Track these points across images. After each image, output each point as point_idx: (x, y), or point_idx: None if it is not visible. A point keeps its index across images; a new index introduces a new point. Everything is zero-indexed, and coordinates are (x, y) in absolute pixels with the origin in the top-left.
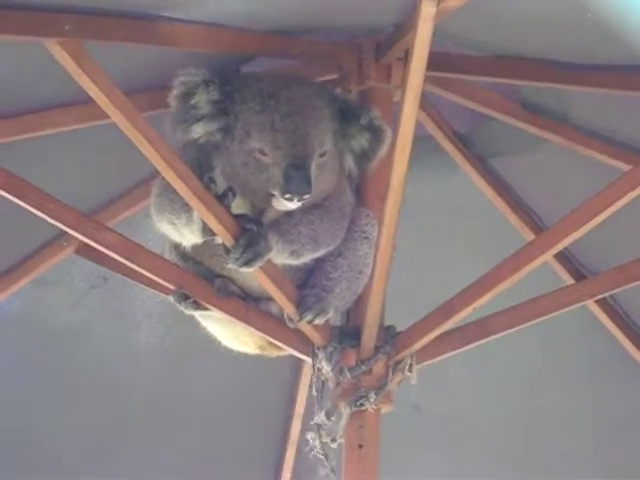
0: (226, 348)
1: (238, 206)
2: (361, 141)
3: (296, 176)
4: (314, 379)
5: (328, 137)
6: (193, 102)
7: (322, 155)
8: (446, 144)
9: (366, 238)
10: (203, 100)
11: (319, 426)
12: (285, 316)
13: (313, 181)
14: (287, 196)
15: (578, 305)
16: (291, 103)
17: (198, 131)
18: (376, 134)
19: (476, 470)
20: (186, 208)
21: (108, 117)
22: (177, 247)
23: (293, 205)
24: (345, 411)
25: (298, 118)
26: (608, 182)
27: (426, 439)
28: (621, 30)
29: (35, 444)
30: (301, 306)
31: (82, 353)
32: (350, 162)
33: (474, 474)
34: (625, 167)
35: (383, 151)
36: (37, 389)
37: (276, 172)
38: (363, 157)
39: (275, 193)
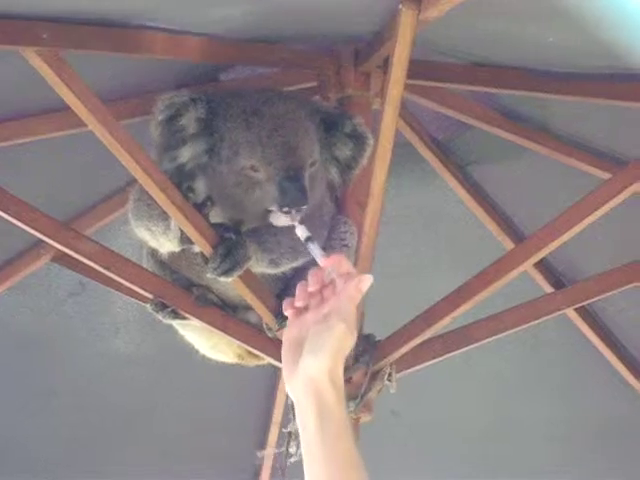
0: (204, 357)
1: (216, 215)
2: (345, 150)
3: (291, 188)
4: None
5: (316, 147)
6: (180, 123)
7: (312, 165)
8: (425, 152)
9: (345, 246)
10: (191, 118)
11: (291, 434)
12: (264, 325)
13: (308, 191)
14: (285, 209)
15: (557, 314)
16: (276, 117)
17: (185, 155)
18: (359, 141)
19: (455, 477)
20: (164, 216)
21: (86, 125)
22: (154, 255)
23: (290, 219)
24: None
25: (285, 131)
26: (587, 191)
27: (405, 446)
28: (602, 39)
29: (10, 450)
30: (280, 315)
31: (59, 360)
32: (334, 172)
33: None
34: (605, 176)
35: (366, 158)
36: (13, 395)
37: (270, 187)
38: (346, 167)
39: (272, 208)
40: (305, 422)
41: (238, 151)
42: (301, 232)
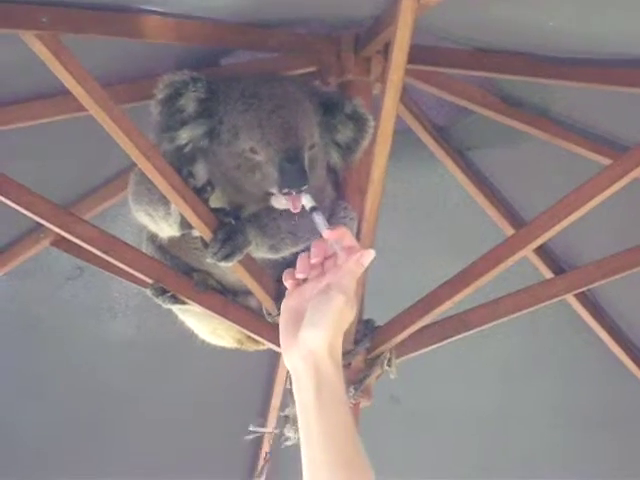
0: (203, 341)
1: (217, 199)
2: (346, 132)
3: (291, 169)
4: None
5: (315, 130)
6: (180, 103)
7: (312, 148)
8: (425, 137)
9: None
10: (191, 98)
11: (287, 418)
12: (264, 310)
13: (308, 173)
14: (285, 191)
15: (557, 299)
16: (275, 99)
17: (184, 136)
18: (360, 122)
19: (454, 463)
20: (164, 200)
21: (86, 109)
22: (154, 240)
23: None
24: None
25: (284, 112)
26: (588, 177)
27: (404, 431)
28: (604, 24)
29: (6, 433)
30: (279, 300)
31: (58, 344)
32: (335, 156)
33: (452, 467)
34: (605, 162)
35: (367, 141)
36: (12, 381)
37: (270, 169)
38: (347, 149)
39: (273, 191)
40: (303, 394)
41: (237, 133)
42: (307, 202)
